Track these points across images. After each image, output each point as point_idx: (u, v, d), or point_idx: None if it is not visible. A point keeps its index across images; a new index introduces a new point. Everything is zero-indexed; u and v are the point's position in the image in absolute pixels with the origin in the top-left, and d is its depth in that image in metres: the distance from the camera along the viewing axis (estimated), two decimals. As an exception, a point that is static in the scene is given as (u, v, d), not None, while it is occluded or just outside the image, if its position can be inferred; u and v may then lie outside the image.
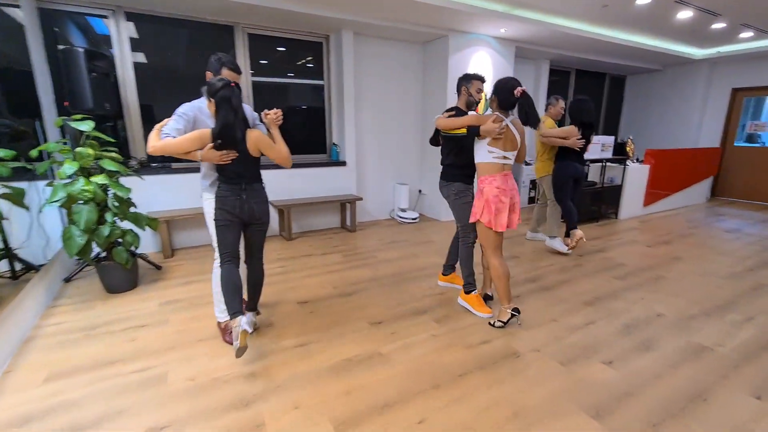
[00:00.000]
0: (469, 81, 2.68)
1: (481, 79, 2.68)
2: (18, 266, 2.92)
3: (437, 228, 5.04)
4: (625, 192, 5.50)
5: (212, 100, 1.95)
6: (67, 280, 3.19)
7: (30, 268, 2.92)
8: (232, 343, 2.20)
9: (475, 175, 2.60)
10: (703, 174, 6.69)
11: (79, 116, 2.76)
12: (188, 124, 2.05)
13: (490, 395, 1.85)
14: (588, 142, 3.72)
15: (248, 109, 2.26)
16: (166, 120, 2.05)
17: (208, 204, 2.21)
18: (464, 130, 2.38)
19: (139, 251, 3.64)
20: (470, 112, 2.69)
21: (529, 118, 2.29)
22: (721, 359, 2.16)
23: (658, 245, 4.36)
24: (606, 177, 5.49)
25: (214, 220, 2.12)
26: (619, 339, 2.36)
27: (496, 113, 2.34)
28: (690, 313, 2.72)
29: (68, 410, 1.73)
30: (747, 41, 6.02)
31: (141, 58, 3.94)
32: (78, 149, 2.64)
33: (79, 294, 2.96)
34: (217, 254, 2.19)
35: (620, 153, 5.51)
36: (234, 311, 1.98)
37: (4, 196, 2.67)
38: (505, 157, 2.37)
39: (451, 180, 2.76)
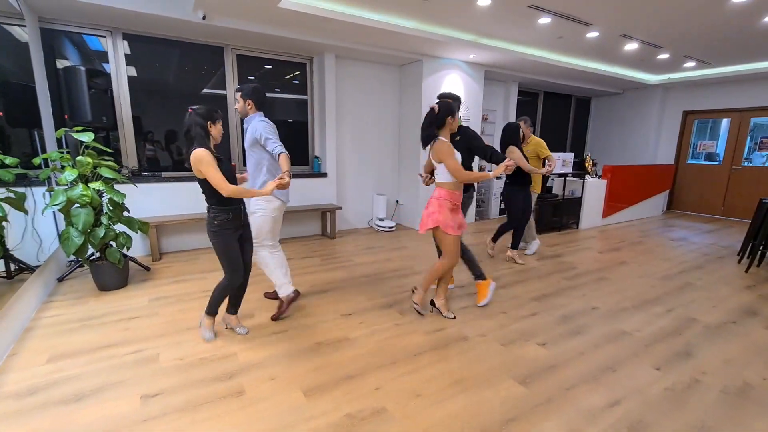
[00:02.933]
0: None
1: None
2: (13, 267, 3.15)
3: (412, 236, 5.40)
4: (584, 204, 5.99)
5: None
6: (61, 279, 3.41)
7: (24, 268, 3.15)
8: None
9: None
10: (658, 189, 7.27)
11: (79, 128, 3.05)
12: None
13: (438, 368, 2.19)
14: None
15: (252, 128, 2.60)
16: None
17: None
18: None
19: (129, 254, 3.90)
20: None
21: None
22: (636, 341, 2.55)
23: (608, 251, 4.81)
24: (567, 190, 5.98)
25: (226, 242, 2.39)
26: (555, 326, 2.74)
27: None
28: (621, 306, 3.12)
29: (71, 383, 2.00)
30: (692, 69, 6.69)
31: (134, 73, 4.25)
32: (78, 158, 2.93)
33: (73, 291, 3.20)
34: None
35: (581, 168, 6.03)
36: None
37: (7, 200, 2.92)
38: None
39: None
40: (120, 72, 4.11)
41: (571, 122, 8.70)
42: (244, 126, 2.70)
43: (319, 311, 2.92)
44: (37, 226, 3.51)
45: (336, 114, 5.28)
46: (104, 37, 4.03)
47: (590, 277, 3.83)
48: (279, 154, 2.49)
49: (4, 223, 3.04)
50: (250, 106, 2.65)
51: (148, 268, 3.74)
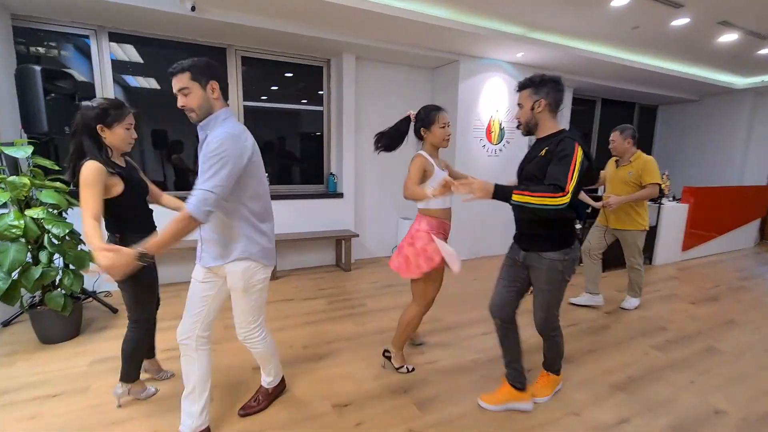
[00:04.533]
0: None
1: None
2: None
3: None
4: (660, 234, 4.82)
5: None
6: (6, 324, 2.80)
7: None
8: None
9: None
10: (750, 215, 5.91)
11: (21, 141, 2.43)
12: None
13: None
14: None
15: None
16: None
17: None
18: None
19: (100, 290, 3.26)
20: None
21: None
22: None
23: (703, 302, 3.65)
24: (638, 217, 4.83)
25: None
26: (665, 453, 1.73)
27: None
28: (763, 410, 2.04)
29: None
30: (798, 69, 5.38)
31: (123, 80, 3.70)
32: (10, 178, 2.29)
33: (10, 344, 2.55)
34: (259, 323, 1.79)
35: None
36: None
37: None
38: None
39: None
40: (105, 76, 3.56)
41: (634, 135, 7.46)
42: (199, 133, 1.55)
43: (305, 394, 2.07)
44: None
45: (355, 124, 4.50)
46: (88, 36, 3.50)
47: (691, 347, 2.74)
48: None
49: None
50: (215, 94, 1.50)
51: (115, 310, 3.06)
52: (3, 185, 2.31)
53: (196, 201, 1.34)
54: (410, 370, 2.33)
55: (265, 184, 1.65)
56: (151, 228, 1.88)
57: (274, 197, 4.13)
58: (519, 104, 1.81)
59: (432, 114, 2.12)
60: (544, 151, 1.69)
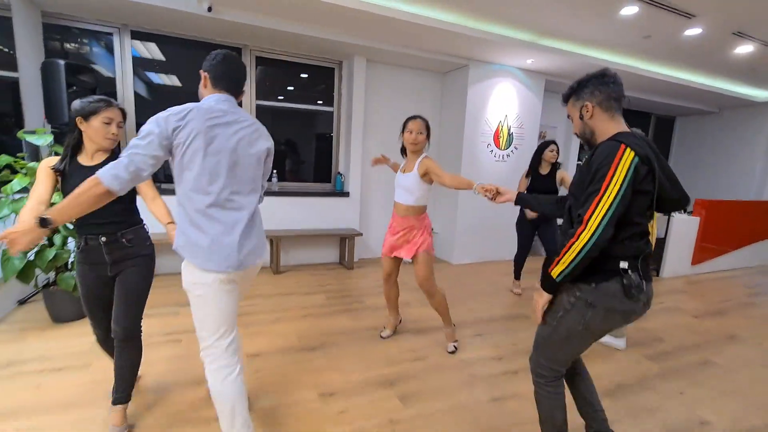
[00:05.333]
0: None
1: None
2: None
3: (445, 272, 4.50)
4: (669, 246, 4.74)
5: None
6: (22, 302, 2.96)
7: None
8: None
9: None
10: (763, 234, 5.74)
11: (42, 129, 2.60)
12: None
13: None
14: None
15: None
16: None
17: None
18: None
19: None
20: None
21: None
22: None
23: (707, 316, 3.58)
24: (646, 228, 4.77)
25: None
26: (643, 458, 1.73)
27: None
28: (749, 424, 2.02)
29: None
30: (822, 83, 5.23)
31: (145, 76, 3.87)
32: (30, 164, 2.45)
33: (23, 321, 2.70)
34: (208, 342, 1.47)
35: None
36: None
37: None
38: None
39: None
40: (126, 72, 3.74)
41: (650, 145, 7.34)
42: None
43: (294, 384, 2.14)
44: None
45: (364, 126, 4.59)
46: (111, 34, 3.68)
47: (686, 359, 2.71)
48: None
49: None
50: (203, 83, 1.50)
51: (123, 295, 3.20)
52: (24, 170, 2.47)
53: (109, 165, 1.24)
54: (452, 350, 2.60)
55: (219, 179, 1.38)
56: (96, 224, 1.64)
57: (281, 194, 4.28)
58: (568, 117, 1.53)
59: (404, 124, 2.54)
60: (584, 161, 1.37)
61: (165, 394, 1.98)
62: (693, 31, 3.62)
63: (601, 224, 1.20)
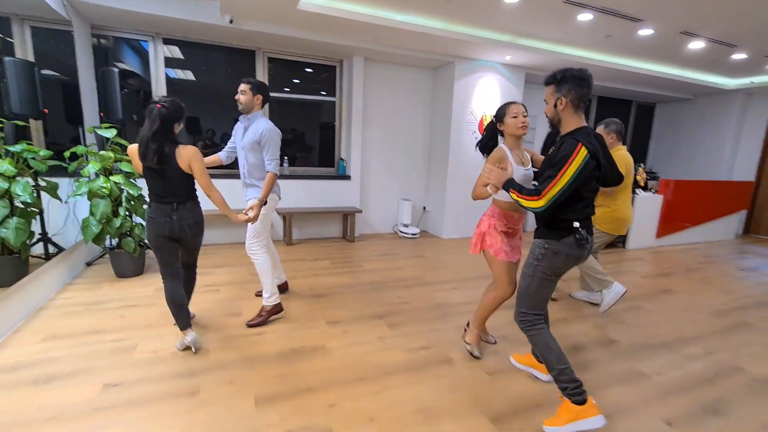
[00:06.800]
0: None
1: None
2: (53, 249, 3.46)
3: (435, 244, 5.18)
4: (634, 221, 5.36)
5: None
6: (89, 264, 3.70)
7: (61, 251, 3.44)
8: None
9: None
10: (730, 208, 6.33)
11: (107, 125, 3.28)
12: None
13: (405, 392, 2.01)
14: None
15: (260, 129, 2.54)
16: None
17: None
18: None
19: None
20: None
21: None
22: (653, 386, 2.17)
23: (654, 277, 4.24)
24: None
25: (148, 240, 2.25)
26: (557, 358, 2.41)
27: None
28: (648, 342, 2.69)
29: (49, 364, 2.11)
30: (780, 72, 5.74)
31: (173, 75, 4.53)
32: (101, 152, 3.14)
33: (94, 276, 3.44)
34: None
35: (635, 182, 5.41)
36: (183, 326, 2.27)
37: (43, 189, 3.20)
38: None
39: None
40: (159, 74, 4.40)
41: (631, 131, 7.90)
42: (242, 122, 2.67)
43: (307, 317, 2.85)
44: (78, 213, 3.83)
45: (363, 117, 5.23)
46: (147, 41, 4.33)
47: (622, 305, 3.37)
48: (269, 172, 2.55)
49: (44, 209, 3.36)
50: (258, 101, 2.60)
51: (166, 259, 3.93)
52: (96, 157, 3.17)
53: (275, 167, 2.56)
54: (474, 355, 2.37)
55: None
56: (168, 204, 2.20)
57: (292, 177, 4.95)
58: (545, 100, 1.80)
59: (503, 108, 2.18)
60: (552, 149, 1.75)
61: (214, 321, 2.70)
62: (645, 32, 4.19)
63: (550, 201, 1.61)
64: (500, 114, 2.18)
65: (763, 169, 6.79)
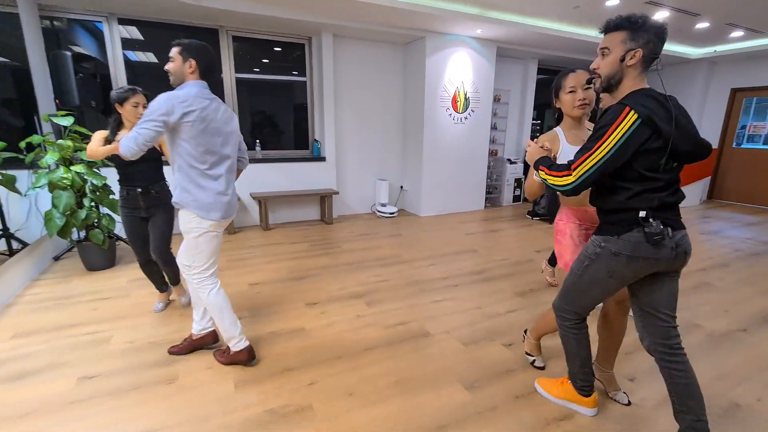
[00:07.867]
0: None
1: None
2: (17, 245, 3.33)
3: (413, 223, 5.23)
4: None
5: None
6: (57, 258, 3.58)
7: (24, 247, 3.31)
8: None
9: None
10: (693, 176, 6.58)
11: (63, 112, 3.12)
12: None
13: (383, 366, 2.07)
14: None
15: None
16: None
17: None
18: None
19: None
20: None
21: None
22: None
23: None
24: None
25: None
26: (530, 325, 2.52)
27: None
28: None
29: (22, 360, 2.07)
30: (741, 41, 5.90)
31: (132, 57, 4.31)
32: (59, 141, 3.00)
33: (63, 270, 3.34)
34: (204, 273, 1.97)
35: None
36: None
37: (0, 182, 3.06)
38: None
39: None
40: (116, 57, 4.18)
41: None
42: None
43: (286, 299, 2.87)
44: (41, 206, 3.67)
45: (335, 96, 5.14)
46: (101, 22, 4.09)
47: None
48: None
49: (2, 204, 3.22)
50: (191, 68, 1.79)
51: (139, 250, 3.84)
52: (54, 147, 3.02)
53: (126, 138, 1.64)
54: (532, 362, 2.09)
55: (215, 148, 1.82)
56: (138, 181, 2.34)
57: (265, 161, 4.86)
58: (603, 49, 1.38)
59: (558, 80, 1.70)
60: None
61: (190, 309, 2.68)
62: (612, 2, 4.21)
63: (580, 177, 1.29)
64: (556, 87, 1.70)
65: (725, 136, 7.05)
